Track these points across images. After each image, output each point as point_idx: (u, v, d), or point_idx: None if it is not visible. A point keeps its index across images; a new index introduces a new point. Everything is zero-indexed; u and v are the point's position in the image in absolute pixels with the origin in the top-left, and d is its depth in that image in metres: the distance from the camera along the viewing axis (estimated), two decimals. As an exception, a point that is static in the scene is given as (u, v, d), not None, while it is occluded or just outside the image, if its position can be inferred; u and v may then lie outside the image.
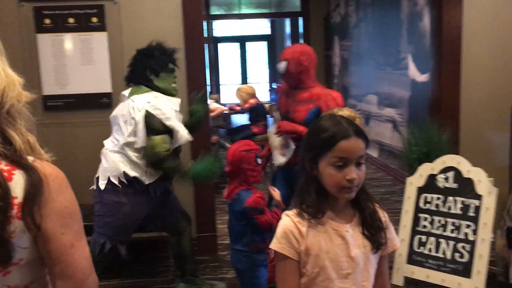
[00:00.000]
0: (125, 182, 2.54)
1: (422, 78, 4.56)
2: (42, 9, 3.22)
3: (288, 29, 11.70)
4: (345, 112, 2.43)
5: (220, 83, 12.51)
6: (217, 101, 7.26)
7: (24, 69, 3.20)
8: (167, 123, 2.50)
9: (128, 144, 2.52)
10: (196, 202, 3.54)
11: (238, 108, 6.43)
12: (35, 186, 0.91)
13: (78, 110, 3.33)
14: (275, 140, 2.99)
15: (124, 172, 2.53)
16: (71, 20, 3.25)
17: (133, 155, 2.53)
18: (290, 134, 2.86)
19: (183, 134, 2.57)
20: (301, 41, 8.67)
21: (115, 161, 2.54)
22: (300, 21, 8.59)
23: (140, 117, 2.47)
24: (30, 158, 0.95)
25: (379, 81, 5.86)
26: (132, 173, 2.53)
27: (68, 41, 3.27)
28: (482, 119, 3.46)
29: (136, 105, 2.49)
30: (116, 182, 2.54)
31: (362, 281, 1.37)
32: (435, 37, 3.59)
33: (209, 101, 6.28)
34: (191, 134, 2.69)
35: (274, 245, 1.36)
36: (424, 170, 3.02)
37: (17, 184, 0.90)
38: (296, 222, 1.35)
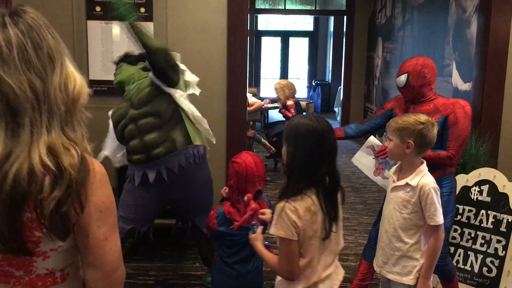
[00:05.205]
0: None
1: (465, 86, 4.47)
2: (94, -3, 3.35)
3: (331, 27, 11.65)
4: (422, 117, 2.15)
5: (261, 76, 12.58)
6: (255, 94, 7.30)
7: (74, 54, 3.34)
8: None
9: None
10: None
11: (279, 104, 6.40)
12: (85, 174, 0.98)
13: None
14: (369, 163, 2.85)
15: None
16: (120, 9, 3.35)
17: None
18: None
19: None
20: (344, 39, 8.62)
21: None
22: (345, 19, 8.53)
23: None
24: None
25: (420, 86, 5.76)
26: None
27: (116, 29, 3.38)
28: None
29: None
30: None
31: None
32: (480, 46, 3.52)
33: (247, 95, 6.37)
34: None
35: None
36: (459, 181, 2.98)
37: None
38: None
